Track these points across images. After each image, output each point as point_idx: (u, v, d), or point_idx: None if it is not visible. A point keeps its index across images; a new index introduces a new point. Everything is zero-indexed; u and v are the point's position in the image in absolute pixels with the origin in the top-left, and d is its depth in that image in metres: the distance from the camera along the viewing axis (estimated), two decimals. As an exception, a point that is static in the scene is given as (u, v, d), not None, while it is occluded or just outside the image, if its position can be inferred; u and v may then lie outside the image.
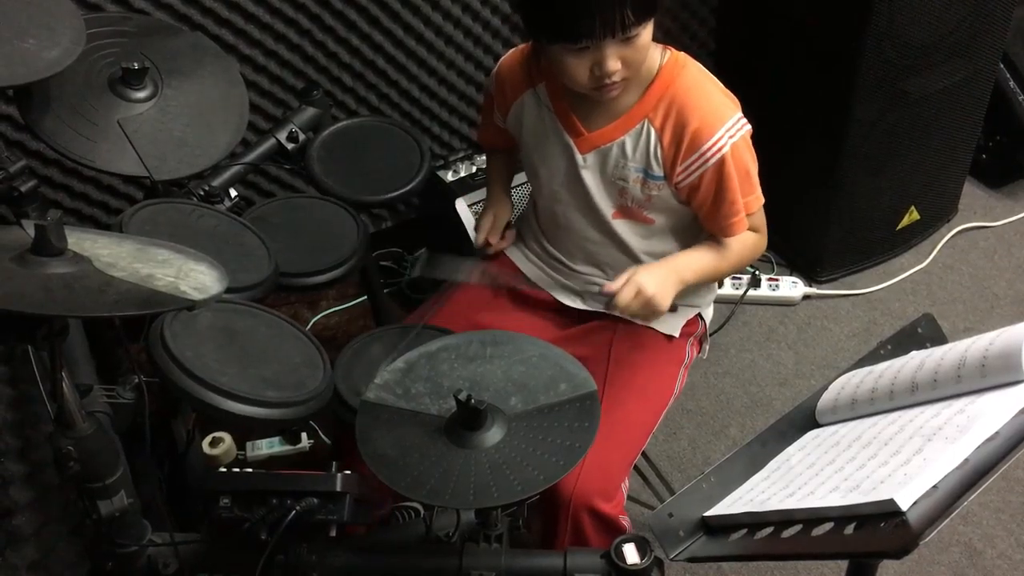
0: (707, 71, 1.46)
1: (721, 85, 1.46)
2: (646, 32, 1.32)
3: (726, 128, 1.40)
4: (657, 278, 1.40)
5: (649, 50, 1.36)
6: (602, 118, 1.47)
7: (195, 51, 1.59)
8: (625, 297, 1.38)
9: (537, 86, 1.52)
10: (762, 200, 1.49)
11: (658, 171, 1.45)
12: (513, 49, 1.59)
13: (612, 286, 1.40)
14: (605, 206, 1.52)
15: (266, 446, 2.11)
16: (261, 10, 2.08)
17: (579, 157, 1.50)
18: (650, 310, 1.41)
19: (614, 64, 1.32)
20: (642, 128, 1.44)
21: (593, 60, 1.32)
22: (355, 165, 1.76)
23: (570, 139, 1.50)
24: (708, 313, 1.69)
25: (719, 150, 1.40)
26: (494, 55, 2.41)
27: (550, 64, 1.44)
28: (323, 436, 2.12)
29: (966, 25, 2.18)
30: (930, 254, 2.60)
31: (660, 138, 1.43)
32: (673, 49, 1.45)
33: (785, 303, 2.49)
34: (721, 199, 1.44)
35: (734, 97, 1.46)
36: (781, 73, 2.34)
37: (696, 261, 1.49)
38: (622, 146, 1.46)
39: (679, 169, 1.43)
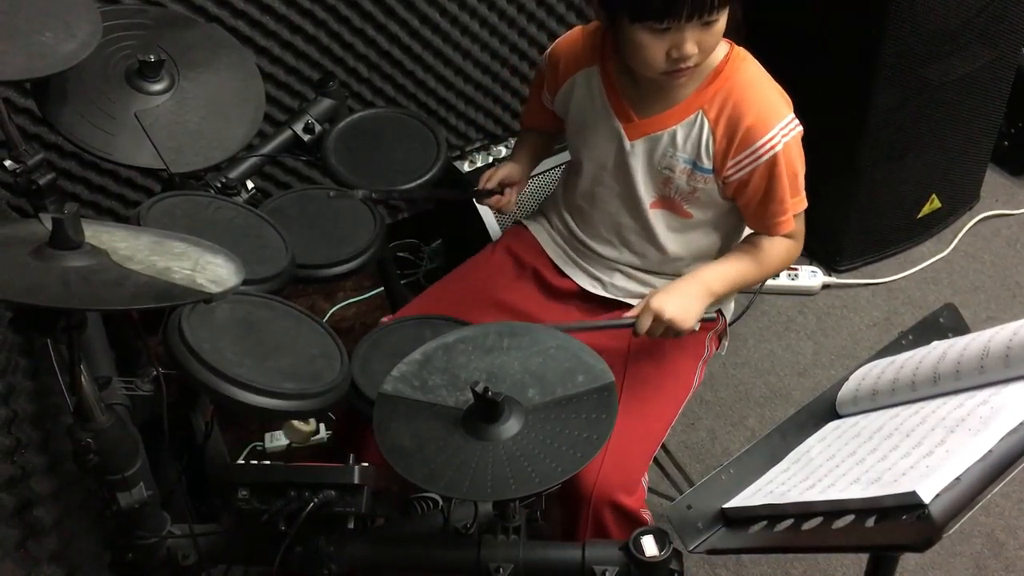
0: (764, 69, 1.45)
1: (777, 84, 1.45)
2: (723, 18, 1.32)
3: (780, 127, 1.40)
4: (675, 299, 1.40)
5: (721, 38, 1.36)
6: (655, 106, 1.46)
7: (211, 43, 1.59)
8: (643, 325, 1.40)
9: (591, 68, 1.52)
10: (805, 204, 1.48)
11: (707, 164, 1.45)
12: (571, 29, 1.59)
13: (631, 313, 1.42)
14: (646, 194, 1.52)
15: (284, 437, 2.12)
16: (277, 1, 2.07)
17: (627, 143, 1.49)
18: (675, 331, 1.41)
19: (692, 47, 1.31)
20: (696, 119, 1.43)
21: (672, 43, 1.32)
22: (372, 156, 1.75)
23: (619, 124, 1.49)
24: (728, 309, 1.69)
25: (772, 148, 1.39)
26: (510, 44, 2.40)
27: (618, 45, 1.43)
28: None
29: (988, 11, 2.15)
30: (951, 242, 2.58)
31: (713, 131, 1.42)
32: (734, 44, 1.44)
33: (804, 292, 2.47)
34: (770, 198, 1.44)
35: (788, 98, 1.45)
36: (800, 60, 2.30)
37: (726, 272, 1.48)
38: (673, 135, 1.46)
39: (729, 164, 1.43)
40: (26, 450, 1.23)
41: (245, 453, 2.10)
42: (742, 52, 1.45)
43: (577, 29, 1.57)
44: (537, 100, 1.67)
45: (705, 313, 1.47)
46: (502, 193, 1.67)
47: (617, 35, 1.42)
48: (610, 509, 1.40)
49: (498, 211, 1.69)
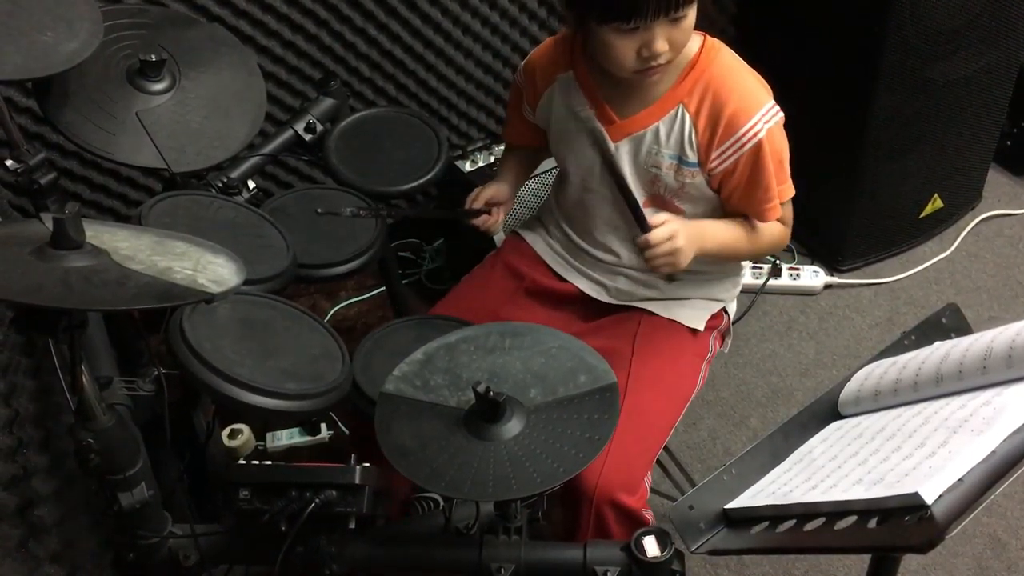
0: (739, 58, 1.45)
1: (754, 72, 1.45)
2: (692, 13, 1.32)
3: (762, 114, 1.40)
4: (690, 235, 1.39)
5: (692, 32, 1.36)
6: (634, 105, 1.46)
7: (213, 42, 1.59)
8: (660, 235, 1.35)
9: (567, 74, 1.52)
10: (793, 191, 1.48)
11: (692, 157, 1.44)
12: (543, 42, 1.58)
13: (654, 219, 1.37)
14: (636, 195, 1.51)
15: (286, 437, 2.12)
16: (279, 1, 2.07)
17: (611, 145, 1.49)
18: (670, 261, 1.38)
19: (662, 45, 1.31)
20: (676, 113, 1.43)
21: (641, 41, 1.31)
22: (373, 156, 1.75)
23: (601, 127, 1.49)
24: (732, 307, 1.68)
25: (755, 135, 1.39)
26: (512, 44, 2.40)
27: (589, 49, 1.43)
28: (342, 427, 2.12)
29: (990, 10, 2.15)
30: (954, 242, 2.57)
31: (695, 123, 1.42)
32: (707, 35, 1.44)
33: (806, 292, 2.47)
34: (756, 185, 1.44)
35: (767, 85, 1.45)
36: (803, 60, 2.32)
37: (722, 233, 1.48)
38: (656, 132, 1.45)
39: (714, 155, 1.42)
40: (28, 450, 1.23)
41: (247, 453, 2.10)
42: (716, 43, 1.44)
43: (549, 40, 1.57)
44: (517, 115, 1.66)
45: (702, 298, 1.50)
46: (489, 213, 1.64)
47: (587, 38, 1.41)
48: (612, 508, 1.39)
49: (484, 232, 1.66)
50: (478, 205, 1.63)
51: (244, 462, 1.20)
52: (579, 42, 1.49)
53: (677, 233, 1.37)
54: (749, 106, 1.39)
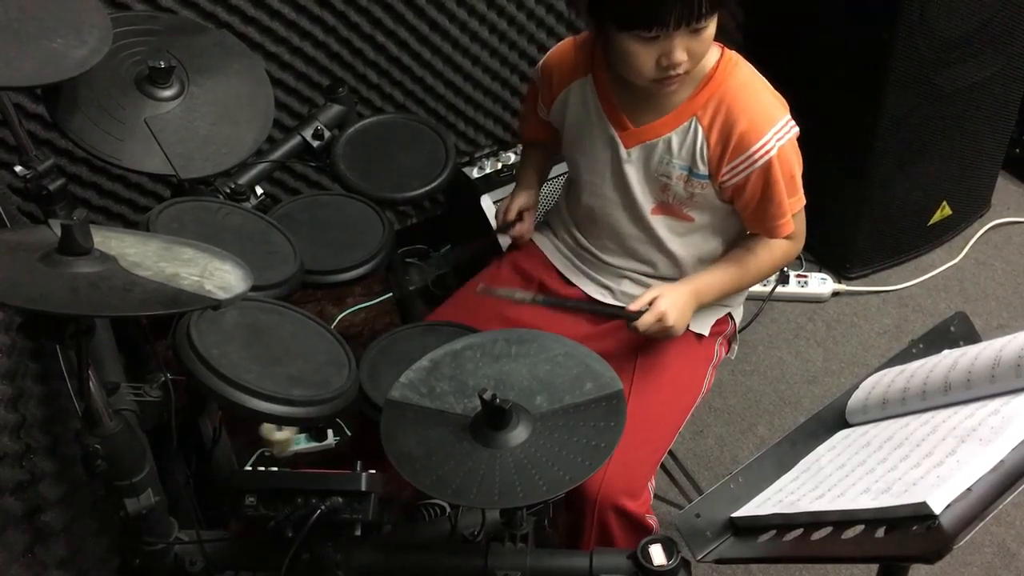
0: (757, 72, 1.45)
1: (771, 86, 1.45)
2: (713, 24, 1.32)
3: (774, 131, 1.39)
4: (679, 306, 1.44)
5: (711, 44, 1.36)
6: (649, 113, 1.46)
7: (221, 49, 1.59)
8: (646, 323, 1.42)
9: (585, 77, 1.52)
10: (803, 202, 1.48)
11: (703, 170, 1.44)
12: (563, 40, 1.58)
13: (635, 306, 1.44)
14: (645, 201, 1.51)
15: (292, 443, 2.12)
16: (287, 8, 2.08)
17: (623, 151, 1.49)
18: (666, 337, 1.46)
19: (681, 55, 1.31)
20: (690, 126, 1.43)
21: (661, 51, 1.31)
22: (381, 162, 1.75)
23: (615, 133, 1.49)
24: (738, 313, 1.68)
25: (767, 153, 1.39)
26: (520, 51, 2.40)
27: (608, 54, 1.44)
28: (349, 433, 2.12)
29: (999, 18, 2.14)
30: (962, 250, 2.57)
31: (707, 137, 1.42)
32: (725, 47, 1.44)
33: (814, 300, 2.46)
34: (768, 201, 1.44)
35: (783, 99, 1.44)
36: (811, 67, 2.31)
37: (717, 282, 1.51)
38: (668, 143, 1.45)
39: (724, 169, 1.42)
40: (35, 455, 1.23)
41: (253, 459, 2.10)
42: (734, 56, 1.44)
43: (568, 40, 1.57)
44: (534, 113, 1.67)
45: (710, 314, 1.52)
46: (522, 220, 1.68)
47: (606, 44, 1.41)
48: (615, 513, 1.39)
49: (518, 237, 1.70)
50: (511, 217, 1.67)
51: (250, 468, 1.20)
52: (599, 48, 1.49)
53: (665, 314, 1.42)
54: (762, 124, 1.39)
